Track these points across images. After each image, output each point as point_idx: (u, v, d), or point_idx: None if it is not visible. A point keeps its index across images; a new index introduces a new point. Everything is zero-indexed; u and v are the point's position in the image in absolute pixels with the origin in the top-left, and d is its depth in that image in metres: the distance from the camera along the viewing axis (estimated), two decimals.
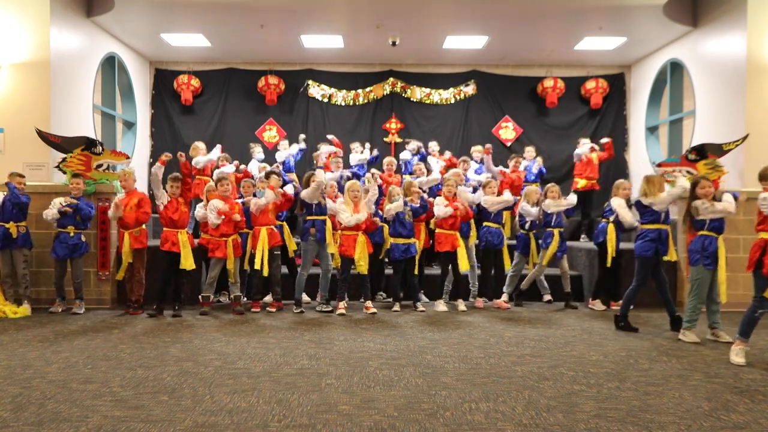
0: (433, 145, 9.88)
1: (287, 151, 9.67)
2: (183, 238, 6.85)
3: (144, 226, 7.03)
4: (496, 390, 4.06)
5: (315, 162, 9.25)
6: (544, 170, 9.81)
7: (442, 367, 4.65)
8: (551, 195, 7.48)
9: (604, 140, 9.69)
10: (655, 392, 4.04)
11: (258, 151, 9.66)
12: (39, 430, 3.31)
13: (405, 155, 9.76)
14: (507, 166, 9.64)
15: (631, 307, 6.31)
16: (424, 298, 7.90)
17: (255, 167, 9.33)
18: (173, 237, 6.80)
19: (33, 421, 3.45)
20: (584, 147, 9.56)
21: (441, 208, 7.25)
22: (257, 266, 7.01)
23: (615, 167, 10.98)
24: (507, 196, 7.67)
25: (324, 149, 9.24)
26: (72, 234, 6.98)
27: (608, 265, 7.18)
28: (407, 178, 8.54)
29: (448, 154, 9.87)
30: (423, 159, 9.54)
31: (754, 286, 4.91)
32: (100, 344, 5.40)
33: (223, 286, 7.53)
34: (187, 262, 6.82)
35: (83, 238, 7.07)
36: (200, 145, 9.29)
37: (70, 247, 6.97)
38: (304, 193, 7.00)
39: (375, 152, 9.69)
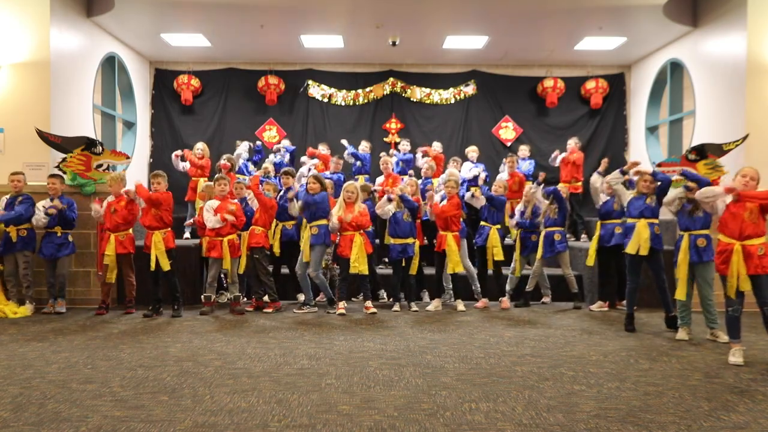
0: (437, 146, 9.89)
1: (275, 157, 9.77)
2: (157, 239, 6.77)
3: (131, 231, 6.99)
4: (496, 390, 4.06)
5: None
6: (532, 168, 9.88)
7: (442, 367, 4.65)
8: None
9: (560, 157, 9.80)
10: (655, 392, 4.04)
11: (243, 149, 9.67)
12: (39, 430, 3.31)
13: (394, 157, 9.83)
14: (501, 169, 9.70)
15: (635, 307, 6.30)
16: (426, 297, 7.92)
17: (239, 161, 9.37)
18: (147, 239, 6.83)
19: (33, 421, 3.45)
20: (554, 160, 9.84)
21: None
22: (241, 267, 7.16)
23: (615, 167, 10.90)
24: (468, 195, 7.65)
25: (304, 169, 9.27)
26: (59, 234, 7.03)
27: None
28: (406, 179, 8.47)
29: (437, 149, 9.86)
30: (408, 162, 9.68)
31: (723, 285, 4.98)
32: (100, 344, 5.40)
33: (222, 286, 7.53)
34: (162, 263, 6.76)
35: (70, 238, 7.11)
36: (199, 145, 9.31)
37: (56, 247, 7.02)
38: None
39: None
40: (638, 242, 5.99)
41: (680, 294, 5.62)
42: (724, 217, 4.94)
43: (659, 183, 6.07)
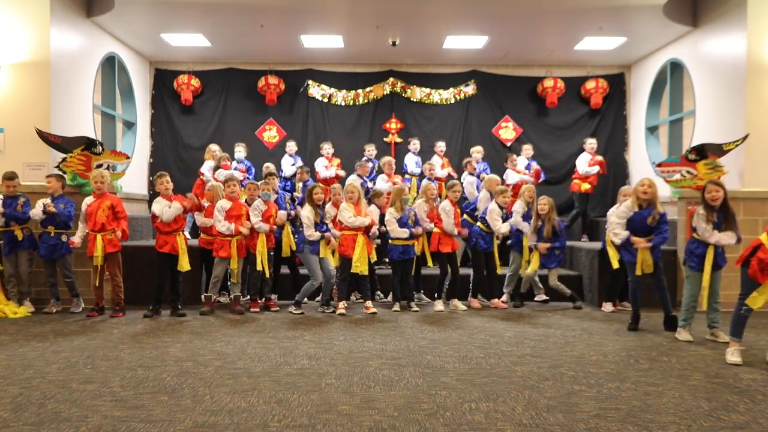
0: (441, 145, 9.88)
1: (288, 162, 9.73)
2: (181, 240, 6.87)
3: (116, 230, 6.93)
4: (496, 390, 4.06)
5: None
6: (531, 165, 9.91)
7: (442, 367, 4.65)
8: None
9: (598, 158, 9.83)
10: (655, 392, 4.04)
11: (238, 151, 9.65)
12: (39, 430, 3.31)
13: (410, 156, 9.80)
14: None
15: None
16: (424, 298, 7.92)
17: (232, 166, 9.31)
18: (172, 240, 6.80)
19: (33, 421, 3.45)
20: (588, 167, 9.75)
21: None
22: (258, 267, 7.05)
23: (615, 167, 10.99)
24: (504, 228, 7.49)
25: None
26: (52, 234, 6.98)
27: (615, 266, 6.94)
28: (425, 182, 8.40)
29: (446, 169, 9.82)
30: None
31: (740, 283, 4.91)
32: (100, 344, 5.40)
33: (222, 285, 7.53)
34: (184, 264, 6.87)
35: (64, 238, 7.03)
36: (213, 147, 9.35)
37: (51, 248, 6.98)
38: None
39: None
40: (641, 266, 6.02)
41: (704, 304, 5.61)
42: None
43: (659, 218, 6.00)
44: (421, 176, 9.35)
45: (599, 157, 9.83)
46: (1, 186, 7.08)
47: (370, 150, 9.67)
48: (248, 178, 9.21)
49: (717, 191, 5.42)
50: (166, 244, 6.79)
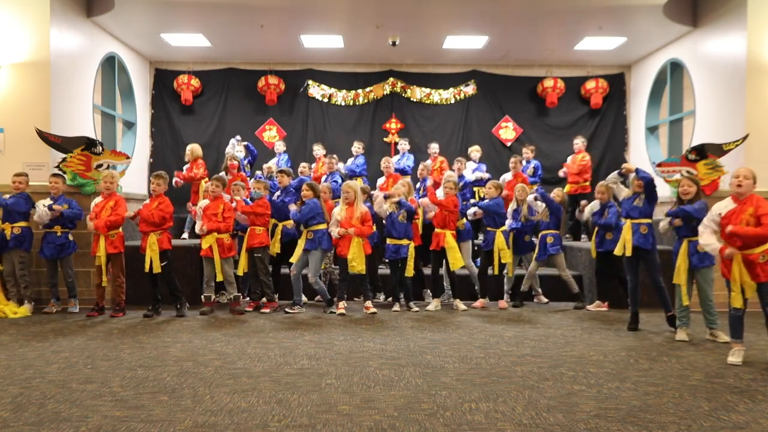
0: (435, 147, 9.87)
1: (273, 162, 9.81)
2: (152, 240, 6.73)
3: (120, 230, 6.91)
4: (496, 390, 4.06)
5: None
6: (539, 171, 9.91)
7: (442, 367, 4.65)
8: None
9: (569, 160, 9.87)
10: (655, 392, 4.04)
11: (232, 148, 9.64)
12: (39, 430, 3.31)
13: (399, 155, 9.84)
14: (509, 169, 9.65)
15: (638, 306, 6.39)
16: (428, 297, 7.92)
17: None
18: (143, 240, 6.80)
19: (33, 421, 3.45)
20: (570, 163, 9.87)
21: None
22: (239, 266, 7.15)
23: (615, 168, 10.91)
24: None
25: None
26: (59, 233, 6.98)
27: (594, 255, 7.34)
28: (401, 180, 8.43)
29: (435, 150, 9.89)
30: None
31: (727, 288, 4.97)
32: (100, 344, 5.40)
33: (222, 286, 7.53)
34: (154, 265, 6.72)
35: (70, 237, 7.06)
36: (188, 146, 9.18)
37: (58, 247, 6.98)
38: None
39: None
40: (623, 243, 6.12)
41: (684, 299, 5.65)
42: (724, 235, 4.86)
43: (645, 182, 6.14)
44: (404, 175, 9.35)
45: (570, 159, 9.79)
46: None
47: (357, 147, 9.68)
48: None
49: (690, 186, 5.58)
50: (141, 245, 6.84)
